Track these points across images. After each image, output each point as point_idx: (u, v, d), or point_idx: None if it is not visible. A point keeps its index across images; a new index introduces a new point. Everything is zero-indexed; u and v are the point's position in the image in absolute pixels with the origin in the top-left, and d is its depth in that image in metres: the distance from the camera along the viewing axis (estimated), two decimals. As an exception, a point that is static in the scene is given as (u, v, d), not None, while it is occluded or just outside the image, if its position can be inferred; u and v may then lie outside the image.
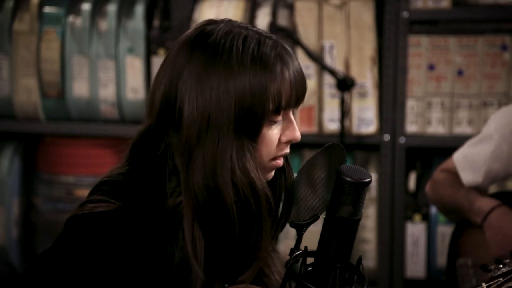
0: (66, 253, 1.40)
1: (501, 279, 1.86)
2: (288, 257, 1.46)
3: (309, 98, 3.44)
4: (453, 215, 2.55)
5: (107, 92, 3.61)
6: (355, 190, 1.37)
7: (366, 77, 3.44)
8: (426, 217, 3.47)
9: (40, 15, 3.63)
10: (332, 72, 3.30)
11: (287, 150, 1.51)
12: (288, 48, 1.49)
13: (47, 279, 1.39)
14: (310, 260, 1.44)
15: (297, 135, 1.49)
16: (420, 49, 3.43)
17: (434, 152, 3.55)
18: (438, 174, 2.56)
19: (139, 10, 3.58)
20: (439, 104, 3.44)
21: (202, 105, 1.42)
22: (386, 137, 3.46)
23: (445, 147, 3.35)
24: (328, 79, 3.43)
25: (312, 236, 1.52)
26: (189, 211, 1.44)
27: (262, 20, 3.46)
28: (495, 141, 2.40)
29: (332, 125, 3.44)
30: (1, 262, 3.73)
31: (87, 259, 1.39)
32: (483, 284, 1.85)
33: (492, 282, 1.86)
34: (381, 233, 3.50)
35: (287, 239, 3.35)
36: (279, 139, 1.48)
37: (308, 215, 1.48)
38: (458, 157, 2.49)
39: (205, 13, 3.51)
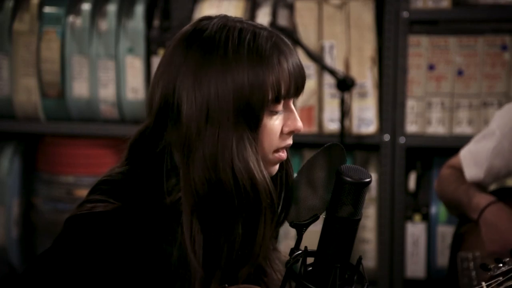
0: (65, 254, 1.41)
1: (501, 278, 1.86)
2: (288, 257, 1.46)
3: (309, 98, 3.44)
4: (455, 210, 2.56)
5: (107, 92, 3.60)
6: (355, 190, 1.37)
7: (366, 77, 3.43)
8: (426, 217, 3.46)
9: (40, 15, 3.63)
10: (332, 72, 3.30)
11: (290, 141, 1.50)
12: (284, 38, 1.48)
13: (46, 279, 1.40)
14: (310, 260, 1.44)
15: (299, 125, 1.48)
16: (420, 49, 3.43)
17: (434, 152, 3.55)
18: (444, 169, 2.58)
19: (139, 10, 3.58)
20: (439, 104, 3.44)
21: (200, 99, 1.41)
22: (386, 137, 3.46)
23: (445, 147, 3.35)
24: (328, 79, 3.43)
25: (312, 236, 1.52)
26: (188, 206, 1.43)
27: (262, 20, 3.46)
28: (496, 138, 2.40)
29: (332, 125, 3.44)
30: (1, 262, 3.72)
31: (86, 260, 1.39)
32: (483, 283, 1.86)
33: (492, 281, 1.86)
34: (381, 233, 3.50)
35: (287, 239, 3.35)
36: (281, 130, 1.48)
37: (308, 215, 1.47)
38: (464, 153, 2.50)
39: (205, 13, 3.51)
